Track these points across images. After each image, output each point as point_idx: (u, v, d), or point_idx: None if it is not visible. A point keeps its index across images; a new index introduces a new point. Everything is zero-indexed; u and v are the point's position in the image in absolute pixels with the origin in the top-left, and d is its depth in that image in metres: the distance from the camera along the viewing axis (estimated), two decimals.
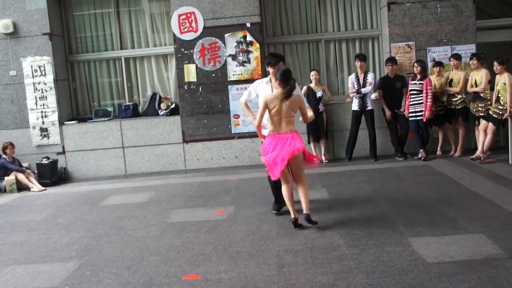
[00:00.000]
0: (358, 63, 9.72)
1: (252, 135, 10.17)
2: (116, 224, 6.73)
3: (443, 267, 4.44)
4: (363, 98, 9.62)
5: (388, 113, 9.68)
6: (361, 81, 9.62)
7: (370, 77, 9.68)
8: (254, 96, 6.54)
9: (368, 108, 9.67)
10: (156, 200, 7.94)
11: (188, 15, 10.11)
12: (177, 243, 5.70)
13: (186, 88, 10.24)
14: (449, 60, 9.61)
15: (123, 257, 5.38)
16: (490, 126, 8.75)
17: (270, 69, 6.28)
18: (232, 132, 10.29)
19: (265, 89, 6.37)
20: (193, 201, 7.66)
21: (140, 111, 11.06)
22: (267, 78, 6.47)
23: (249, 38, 10.06)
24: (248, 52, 10.09)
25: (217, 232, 6.00)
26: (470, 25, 10.09)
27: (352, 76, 9.76)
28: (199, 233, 6.01)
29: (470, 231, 5.31)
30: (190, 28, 10.13)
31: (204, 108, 10.26)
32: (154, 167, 10.48)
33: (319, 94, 9.76)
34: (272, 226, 6.06)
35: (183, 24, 10.13)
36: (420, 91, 9.21)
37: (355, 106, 9.70)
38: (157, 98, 10.88)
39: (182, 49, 10.20)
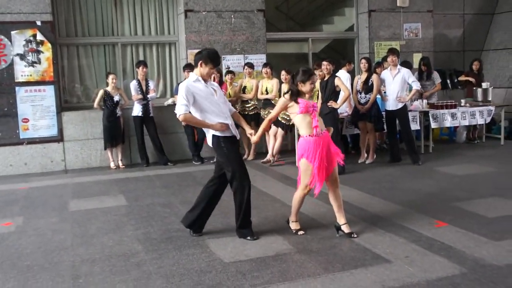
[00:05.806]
0: (141, 69, 9.65)
1: (43, 140, 9.54)
2: None
3: (239, 266, 4.63)
4: (146, 104, 9.64)
5: None
6: (144, 88, 9.64)
7: (152, 84, 9.80)
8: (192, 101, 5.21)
9: (151, 114, 9.72)
10: None
11: None
12: None
13: None
14: (243, 68, 10.10)
15: None
16: (279, 131, 9.40)
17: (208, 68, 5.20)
18: (21, 137, 9.51)
19: (201, 87, 5.23)
20: None
21: None
22: (194, 77, 5.25)
23: (39, 37, 9.41)
24: (38, 52, 9.43)
25: (4, 246, 5.48)
26: (261, 36, 10.74)
27: (135, 82, 9.67)
28: None
29: (263, 230, 5.60)
30: None
31: None
32: None
33: (116, 98, 9.51)
34: (66, 236, 5.73)
35: None
36: None
37: (137, 112, 9.65)
38: None
39: None
